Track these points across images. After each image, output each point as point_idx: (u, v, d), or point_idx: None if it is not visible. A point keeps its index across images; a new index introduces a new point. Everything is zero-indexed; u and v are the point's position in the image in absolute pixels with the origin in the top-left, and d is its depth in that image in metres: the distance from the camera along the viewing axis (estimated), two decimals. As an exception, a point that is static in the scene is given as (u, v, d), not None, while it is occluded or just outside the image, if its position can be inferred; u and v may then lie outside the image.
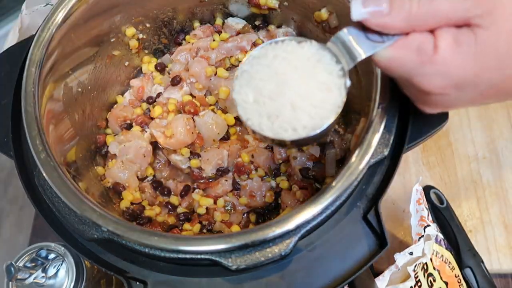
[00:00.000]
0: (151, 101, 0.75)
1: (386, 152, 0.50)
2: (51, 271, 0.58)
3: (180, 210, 0.70)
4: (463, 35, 0.38)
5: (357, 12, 0.40)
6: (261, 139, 0.47)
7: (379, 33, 0.40)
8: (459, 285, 0.67)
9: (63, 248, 0.59)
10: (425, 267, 0.61)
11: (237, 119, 0.73)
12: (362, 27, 0.41)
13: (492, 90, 0.41)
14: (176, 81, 0.74)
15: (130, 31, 0.73)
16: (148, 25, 0.75)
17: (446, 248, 0.67)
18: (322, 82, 0.43)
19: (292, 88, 0.43)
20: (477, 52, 0.38)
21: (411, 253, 0.58)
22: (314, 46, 0.44)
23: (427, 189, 0.79)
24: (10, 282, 0.57)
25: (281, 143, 0.45)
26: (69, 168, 0.59)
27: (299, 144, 0.46)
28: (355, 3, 0.40)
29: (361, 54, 0.42)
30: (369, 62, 0.54)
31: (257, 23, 0.78)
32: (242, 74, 0.46)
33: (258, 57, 0.45)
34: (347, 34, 0.42)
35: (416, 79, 0.41)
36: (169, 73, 0.77)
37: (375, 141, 0.49)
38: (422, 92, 0.42)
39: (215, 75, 0.74)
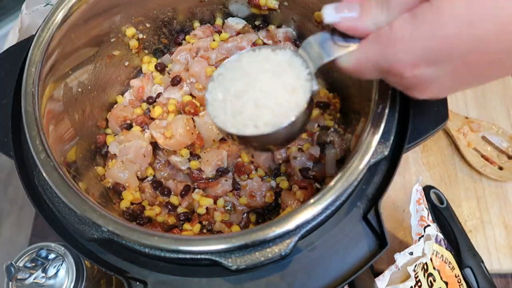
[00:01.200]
0: (151, 101, 0.76)
1: (386, 152, 0.50)
2: (51, 271, 0.58)
3: (180, 210, 0.70)
4: (419, 8, 0.37)
5: (330, 15, 0.42)
6: (226, 137, 0.49)
7: (345, 37, 0.43)
8: (459, 285, 0.67)
9: (63, 248, 0.59)
10: (425, 267, 0.61)
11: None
12: (330, 32, 0.44)
13: (469, 60, 0.38)
14: (176, 81, 0.74)
15: (130, 31, 0.73)
16: (148, 25, 0.75)
17: (446, 248, 0.67)
18: (288, 84, 0.45)
19: (258, 87, 0.45)
20: (434, 20, 0.37)
21: (411, 253, 0.58)
22: (288, 53, 0.46)
23: (427, 189, 0.79)
24: (10, 282, 0.57)
25: (246, 143, 0.47)
26: (69, 168, 0.59)
27: (264, 144, 0.48)
28: (328, 8, 0.42)
29: (327, 56, 0.44)
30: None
31: (257, 23, 0.78)
32: (217, 77, 0.48)
33: (235, 61, 0.48)
34: (315, 39, 0.45)
35: (386, 66, 0.40)
36: (169, 73, 0.77)
37: (375, 141, 0.49)
38: (399, 77, 0.41)
39: (215, 75, 0.74)
